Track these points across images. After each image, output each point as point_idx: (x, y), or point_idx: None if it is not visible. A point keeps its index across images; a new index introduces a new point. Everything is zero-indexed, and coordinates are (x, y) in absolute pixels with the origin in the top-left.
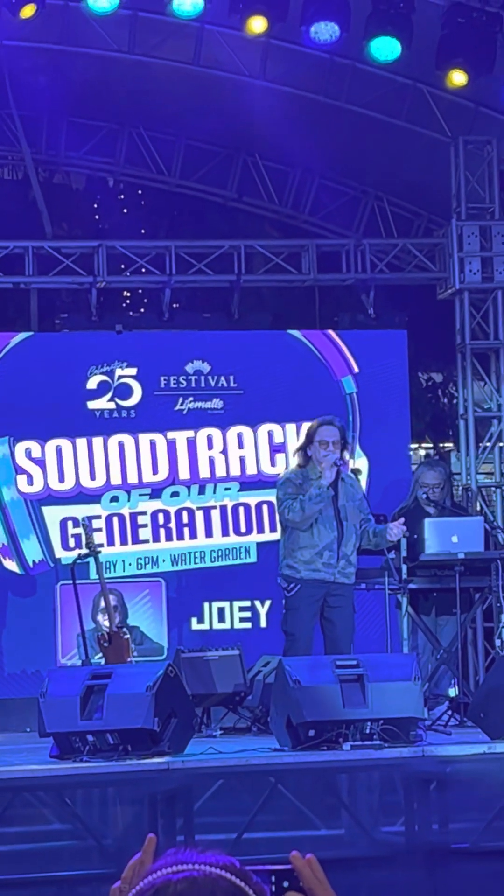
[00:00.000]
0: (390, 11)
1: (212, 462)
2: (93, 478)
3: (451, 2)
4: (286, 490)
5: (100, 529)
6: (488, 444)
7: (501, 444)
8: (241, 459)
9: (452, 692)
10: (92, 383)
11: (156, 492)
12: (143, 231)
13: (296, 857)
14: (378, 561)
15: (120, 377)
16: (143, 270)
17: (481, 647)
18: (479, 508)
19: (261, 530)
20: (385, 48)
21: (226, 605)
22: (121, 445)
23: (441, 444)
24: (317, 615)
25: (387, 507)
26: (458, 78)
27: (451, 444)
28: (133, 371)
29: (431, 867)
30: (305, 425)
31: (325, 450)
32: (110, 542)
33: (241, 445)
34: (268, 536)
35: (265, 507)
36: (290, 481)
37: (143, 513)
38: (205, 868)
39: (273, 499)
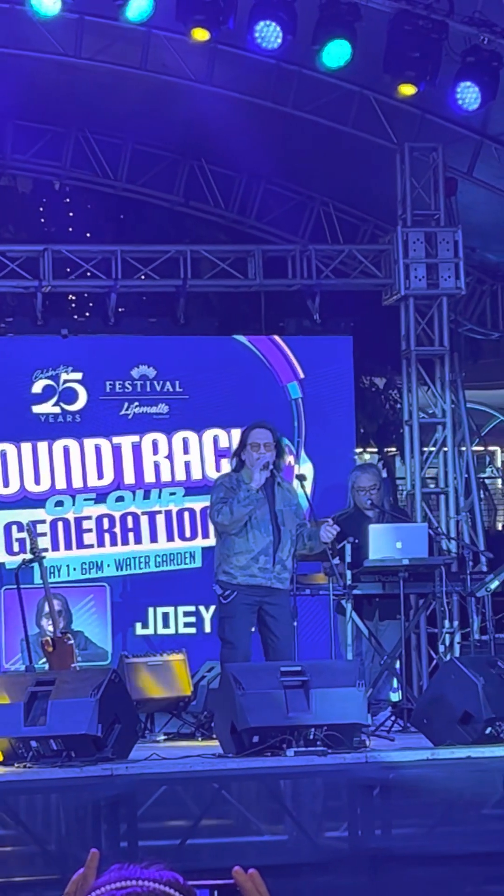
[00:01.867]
0: (337, 18)
1: (157, 467)
2: (37, 482)
3: (396, 9)
4: (217, 494)
5: (44, 534)
6: (433, 449)
7: (446, 450)
8: (187, 464)
9: (395, 697)
10: (37, 387)
11: (101, 496)
12: (88, 235)
13: (238, 872)
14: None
15: (65, 381)
16: (89, 274)
17: (425, 652)
18: (423, 514)
19: (206, 535)
20: (336, 53)
21: (170, 610)
22: (66, 450)
23: (386, 450)
24: (253, 621)
25: (331, 512)
26: (406, 89)
27: (394, 449)
28: (78, 375)
29: (374, 873)
30: (235, 431)
31: (257, 452)
32: (55, 547)
33: (186, 450)
34: (213, 541)
35: None
36: (222, 485)
37: (88, 517)
38: (148, 884)
39: None
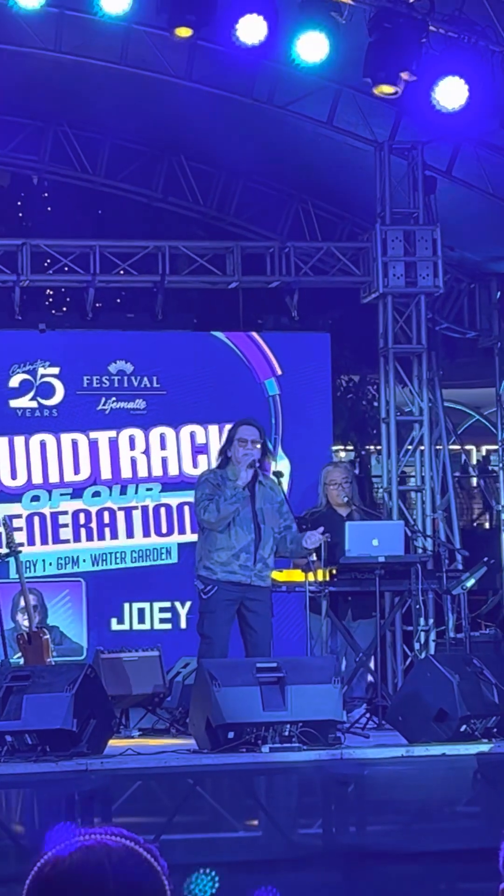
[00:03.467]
0: (317, 15)
1: (134, 462)
2: (14, 477)
3: (377, 6)
4: (203, 491)
5: (20, 529)
6: (410, 447)
7: (422, 448)
8: (164, 460)
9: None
10: (14, 382)
11: (77, 491)
12: (67, 230)
13: None
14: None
15: (42, 376)
16: (67, 269)
17: (400, 650)
18: (399, 512)
19: (182, 531)
20: (312, 48)
21: (146, 605)
22: (42, 445)
23: (364, 447)
24: (233, 618)
25: (306, 510)
26: (386, 88)
27: (372, 447)
28: (56, 370)
29: (349, 869)
30: (227, 427)
31: (244, 448)
32: (31, 542)
33: (163, 446)
34: (189, 537)
35: (186, 508)
36: (208, 482)
37: (65, 512)
38: (94, 836)
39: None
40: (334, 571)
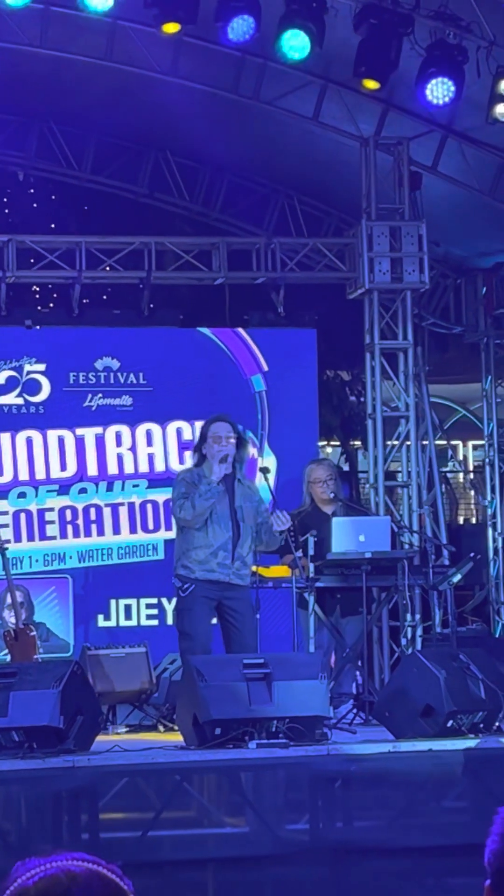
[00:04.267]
0: (303, 11)
1: (120, 459)
2: (0, 473)
3: (363, 2)
4: (179, 489)
5: (6, 525)
6: (396, 442)
7: (409, 444)
8: (150, 456)
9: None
10: (0, 378)
11: (63, 488)
12: (53, 226)
13: None
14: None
15: (28, 373)
16: (53, 266)
17: (386, 645)
18: (385, 507)
19: (169, 527)
20: (295, 46)
21: (133, 602)
22: (29, 441)
23: (351, 442)
24: (211, 614)
25: (294, 505)
26: (371, 83)
27: (357, 442)
28: (42, 367)
29: (335, 865)
30: (198, 423)
31: (218, 444)
32: (17, 539)
33: (149, 442)
34: (175, 534)
35: None
36: (184, 480)
37: (51, 509)
38: (56, 864)
39: None
40: (317, 564)
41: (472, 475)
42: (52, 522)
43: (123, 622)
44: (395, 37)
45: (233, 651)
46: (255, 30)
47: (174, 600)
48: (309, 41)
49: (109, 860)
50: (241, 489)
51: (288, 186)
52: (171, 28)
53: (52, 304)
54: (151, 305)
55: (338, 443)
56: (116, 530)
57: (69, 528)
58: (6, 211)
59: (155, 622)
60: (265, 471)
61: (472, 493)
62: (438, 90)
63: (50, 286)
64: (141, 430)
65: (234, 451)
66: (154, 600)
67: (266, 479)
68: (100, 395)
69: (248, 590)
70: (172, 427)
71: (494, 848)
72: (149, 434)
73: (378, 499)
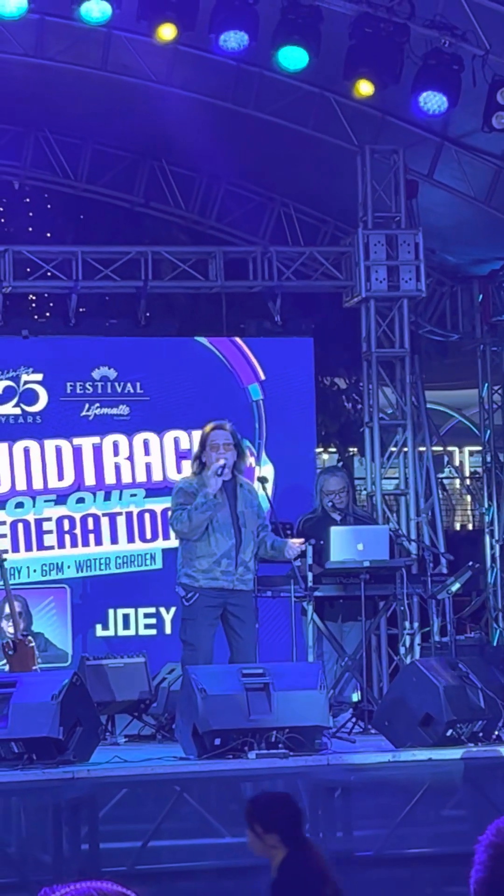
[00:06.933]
0: (298, 21)
1: (117, 468)
2: None
3: (358, 12)
4: (178, 500)
5: (4, 535)
6: (393, 449)
7: (406, 451)
8: (147, 466)
9: (355, 696)
10: None
11: (61, 498)
12: (49, 235)
13: None
14: (284, 569)
15: (26, 382)
16: (50, 275)
17: (385, 654)
18: (383, 516)
19: (166, 537)
20: (292, 57)
21: (131, 611)
22: (26, 451)
23: (348, 450)
24: (216, 623)
25: (292, 514)
26: (364, 88)
27: (354, 450)
28: (39, 377)
29: (336, 874)
30: (196, 433)
31: (217, 453)
32: (15, 549)
33: (147, 452)
34: (173, 543)
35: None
36: (183, 490)
37: (49, 519)
38: (87, 885)
39: None
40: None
41: (468, 481)
42: (49, 532)
43: (121, 632)
44: (391, 45)
45: (234, 659)
46: (249, 43)
47: (173, 609)
48: (307, 54)
49: (109, 871)
50: (242, 494)
51: (284, 195)
52: (166, 34)
53: (48, 314)
54: (148, 315)
55: (335, 450)
56: (114, 540)
57: (67, 538)
58: (2, 220)
59: (153, 632)
60: (263, 480)
61: (469, 499)
62: (432, 102)
63: (46, 296)
64: (138, 439)
65: (233, 458)
66: (152, 610)
67: (264, 488)
68: (97, 404)
69: (251, 595)
70: (170, 436)
71: (479, 877)
72: (146, 443)
73: (376, 507)
